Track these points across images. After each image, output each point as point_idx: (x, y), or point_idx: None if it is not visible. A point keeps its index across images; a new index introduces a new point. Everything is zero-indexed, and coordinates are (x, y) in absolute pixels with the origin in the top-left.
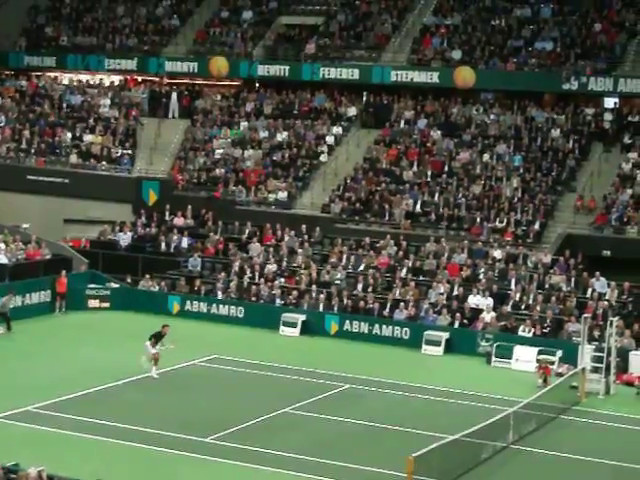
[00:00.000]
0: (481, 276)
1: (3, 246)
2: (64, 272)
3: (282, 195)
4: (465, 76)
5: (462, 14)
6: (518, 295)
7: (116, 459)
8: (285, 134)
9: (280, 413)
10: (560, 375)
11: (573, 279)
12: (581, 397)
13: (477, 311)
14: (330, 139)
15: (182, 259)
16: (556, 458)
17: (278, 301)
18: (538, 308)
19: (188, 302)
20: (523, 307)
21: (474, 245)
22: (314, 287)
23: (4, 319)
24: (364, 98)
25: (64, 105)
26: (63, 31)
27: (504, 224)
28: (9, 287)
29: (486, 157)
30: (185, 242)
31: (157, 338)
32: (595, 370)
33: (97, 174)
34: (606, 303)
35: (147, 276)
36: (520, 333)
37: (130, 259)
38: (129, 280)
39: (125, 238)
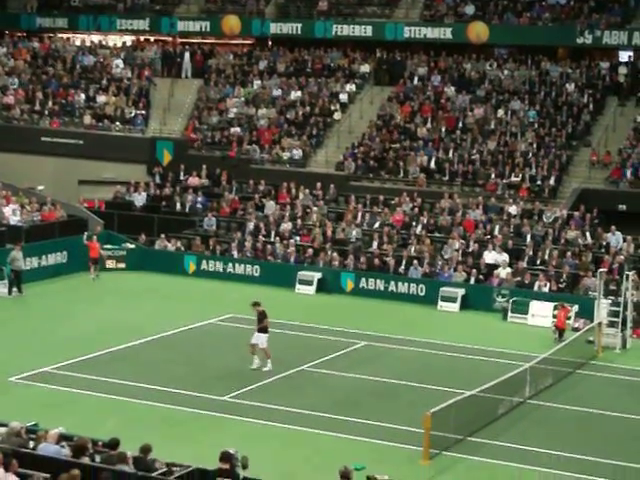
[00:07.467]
0: (496, 232)
1: (19, 208)
2: (95, 237)
3: (296, 153)
4: (479, 31)
5: None
6: (533, 251)
7: (134, 418)
8: (299, 92)
9: (297, 371)
10: (576, 330)
11: (588, 234)
12: (598, 351)
13: (493, 267)
14: (344, 97)
15: (197, 219)
16: (573, 413)
17: (293, 259)
18: (554, 263)
19: (204, 262)
20: (539, 262)
21: (489, 201)
22: (329, 245)
23: (17, 278)
24: (377, 55)
25: (77, 66)
26: None
27: (519, 179)
28: (15, 241)
29: (500, 112)
30: (200, 201)
31: (261, 323)
32: (611, 324)
33: (111, 135)
34: (622, 257)
35: (162, 236)
36: (536, 289)
37: (145, 219)
38: (144, 240)
39: (140, 198)
